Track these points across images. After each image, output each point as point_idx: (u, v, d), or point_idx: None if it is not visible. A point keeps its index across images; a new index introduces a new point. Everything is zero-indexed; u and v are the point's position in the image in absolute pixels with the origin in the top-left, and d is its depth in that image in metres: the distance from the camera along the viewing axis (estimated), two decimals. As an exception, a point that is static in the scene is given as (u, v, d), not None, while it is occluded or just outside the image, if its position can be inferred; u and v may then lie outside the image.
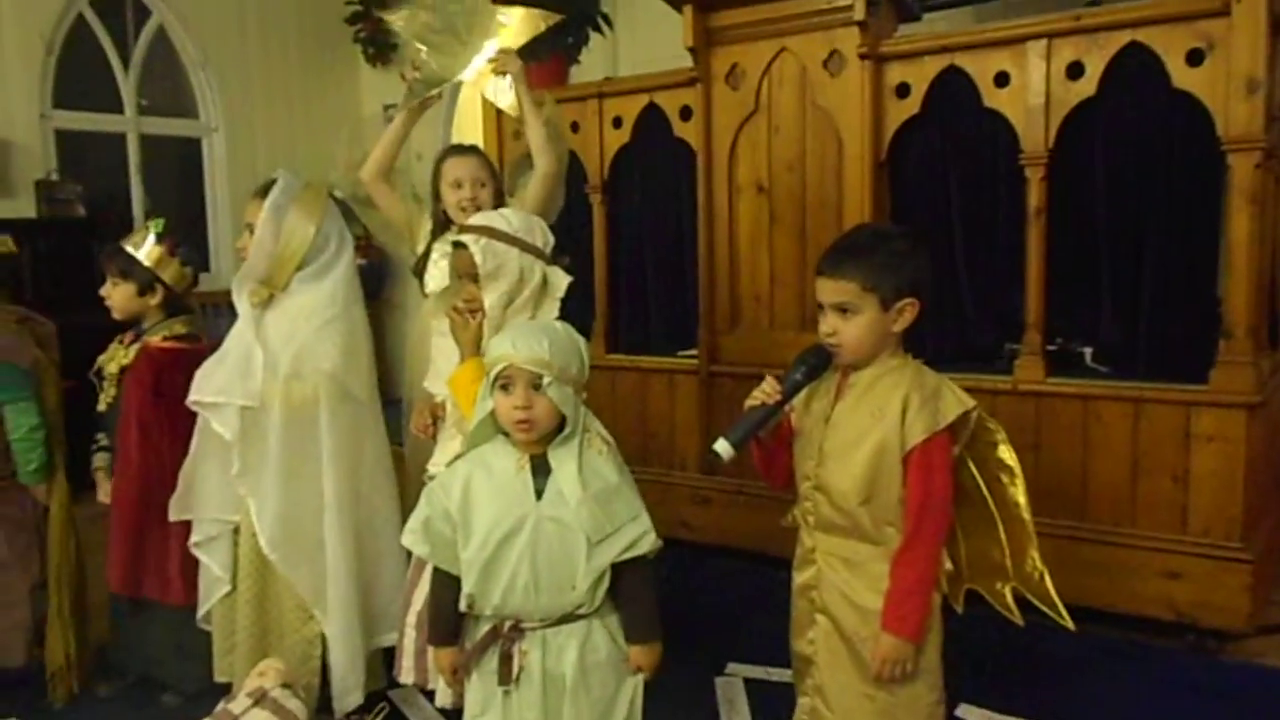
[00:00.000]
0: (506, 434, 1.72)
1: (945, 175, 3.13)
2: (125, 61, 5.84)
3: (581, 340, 1.75)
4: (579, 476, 1.67)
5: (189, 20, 6.00)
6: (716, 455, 1.75)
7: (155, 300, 2.63)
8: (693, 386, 3.66)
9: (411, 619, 2.30)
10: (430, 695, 2.36)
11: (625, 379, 3.84)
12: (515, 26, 2.90)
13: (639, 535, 1.70)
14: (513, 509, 1.67)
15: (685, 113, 3.57)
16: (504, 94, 2.92)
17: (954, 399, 1.72)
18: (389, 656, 2.44)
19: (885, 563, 1.74)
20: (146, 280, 2.61)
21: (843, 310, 1.73)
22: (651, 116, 3.69)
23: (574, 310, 2.18)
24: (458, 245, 2.09)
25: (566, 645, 1.71)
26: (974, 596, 1.93)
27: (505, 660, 1.71)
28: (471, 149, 2.78)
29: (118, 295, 2.62)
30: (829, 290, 1.75)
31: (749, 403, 1.78)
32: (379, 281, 6.43)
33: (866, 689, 1.78)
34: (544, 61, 4.10)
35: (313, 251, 2.36)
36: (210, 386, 2.32)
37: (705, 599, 3.25)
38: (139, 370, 2.54)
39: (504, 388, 1.66)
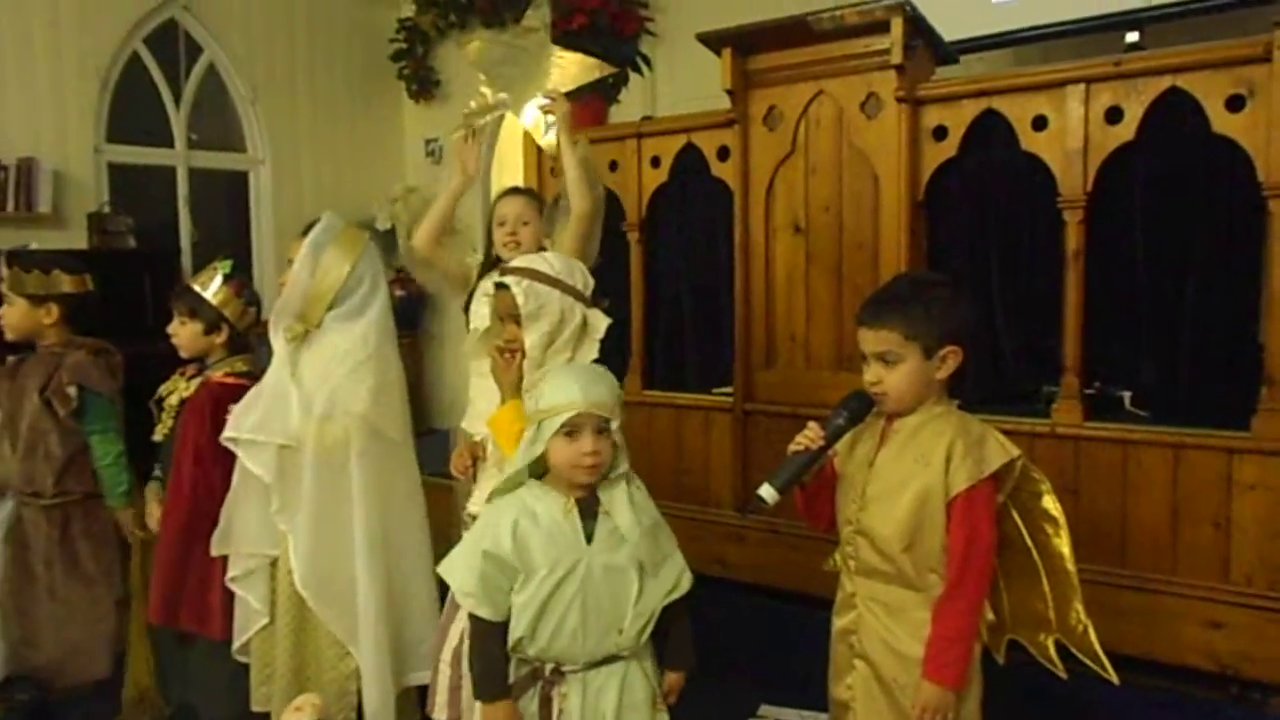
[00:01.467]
0: (539, 476, 1.76)
1: (982, 217, 3.14)
2: (177, 97, 6.00)
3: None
4: (633, 513, 1.71)
5: (239, 57, 6.17)
6: (761, 501, 1.77)
7: (220, 339, 2.72)
8: (728, 424, 3.67)
9: (446, 655, 2.32)
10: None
11: (661, 415, 3.86)
12: (571, 70, 2.97)
13: (679, 575, 1.77)
14: (565, 555, 1.70)
15: (723, 153, 3.61)
16: (544, 132, 2.98)
17: (999, 447, 1.73)
18: (421, 694, 2.46)
19: (927, 610, 1.75)
20: (213, 320, 2.70)
21: (885, 360, 1.75)
22: (689, 156, 3.74)
23: (610, 346, 2.22)
24: (500, 286, 2.13)
25: (606, 686, 1.73)
26: (1015, 644, 1.92)
27: (545, 703, 1.73)
28: (524, 191, 2.86)
29: (185, 333, 2.71)
30: (870, 340, 1.77)
31: (792, 448, 1.80)
32: (417, 313, 6.51)
33: (906, 738, 1.78)
34: (583, 101, 4.18)
35: (345, 290, 2.41)
36: (247, 424, 2.38)
37: (739, 638, 3.25)
38: (199, 402, 2.60)
39: (569, 434, 1.70)
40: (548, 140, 2.96)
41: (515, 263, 2.19)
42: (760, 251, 3.50)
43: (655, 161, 3.82)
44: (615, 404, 1.73)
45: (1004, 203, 3.12)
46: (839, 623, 1.87)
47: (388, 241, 6.09)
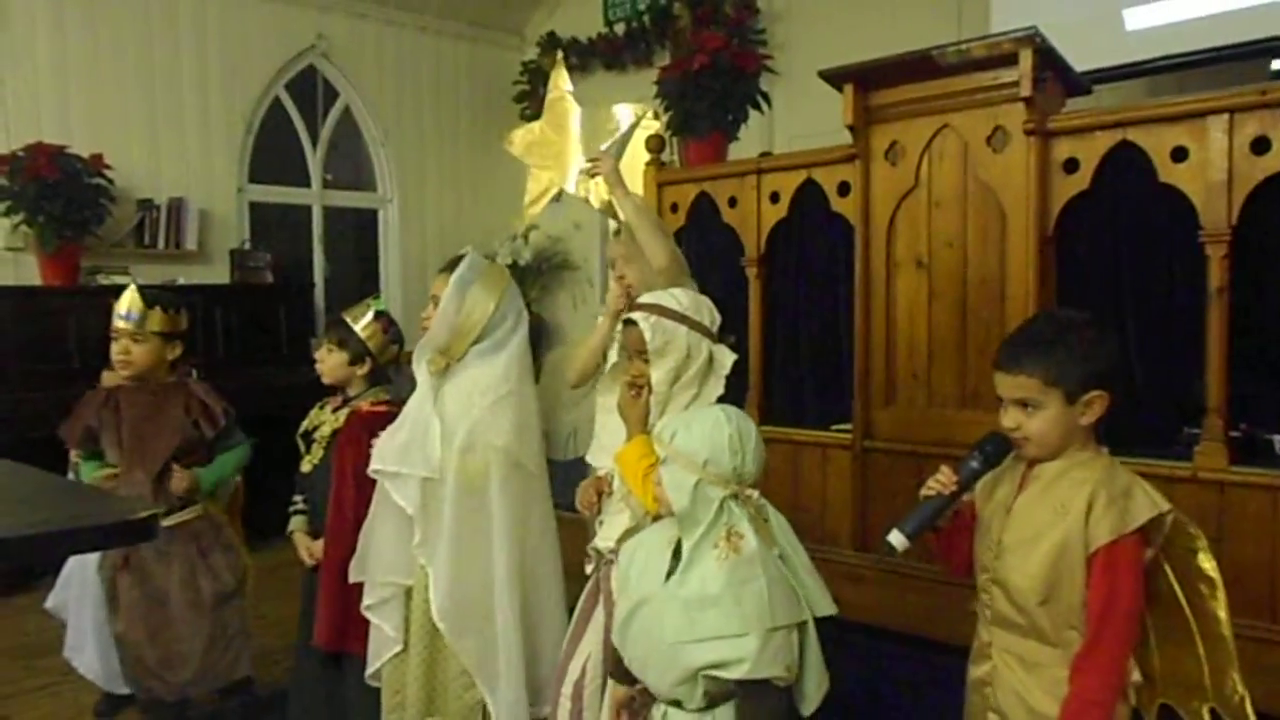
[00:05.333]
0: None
1: (1115, 252, 3.04)
2: (314, 139, 6.32)
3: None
4: (682, 574, 1.71)
5: (372, 101, 6.46)
6: (890, 548, 1.73)
7: (363, 371, 2.84)
8: (846, 461, 3.63)
9: (567, 689, 2.33)
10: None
11: (778, 451, 3.84)
12: (610, 125, 3.02)
13: (732, 658, 1.65)
14: (645, 583, 1.74)
15: (843, 188, 3.59)
16: (595, 194, 3.03)
17: (1146, 500, 1.62)
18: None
19: (1065, 668, 1.65)
20: (359, 352, 2.82)
21: (1024, 405, 1.69)
22: (809, 191, 3.73)
23: (728, 381, 2.23)
24: (628, 322, 2.17)
25: None
26: (1166, 707, 1.83)
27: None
28: (619, 230, 2.87)
29: (330, 361, 2.84)
30: (1008, 386, 1.69)
31: (924, 492, 1.75)
32: (535, 344, 6.65)
33: (1040, 798, 1.70)
34: (703, 138, 4.23)
35: (490, 326, 2.47)
36: (391, 456, 2.43)
37: (856, 682, 3.18)
38: (353, 431, 2.70)
39: None
40: (601, 201, 2.99)
41: (643, 298, 2.22)
42: (881, 287, 3.47)
43: (775, 197, 3.83)
44: None
45: (1139, 236, 3.01)
46: (974, 672, 1.80)
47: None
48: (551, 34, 6.63)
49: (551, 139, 3.03)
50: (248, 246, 5.88)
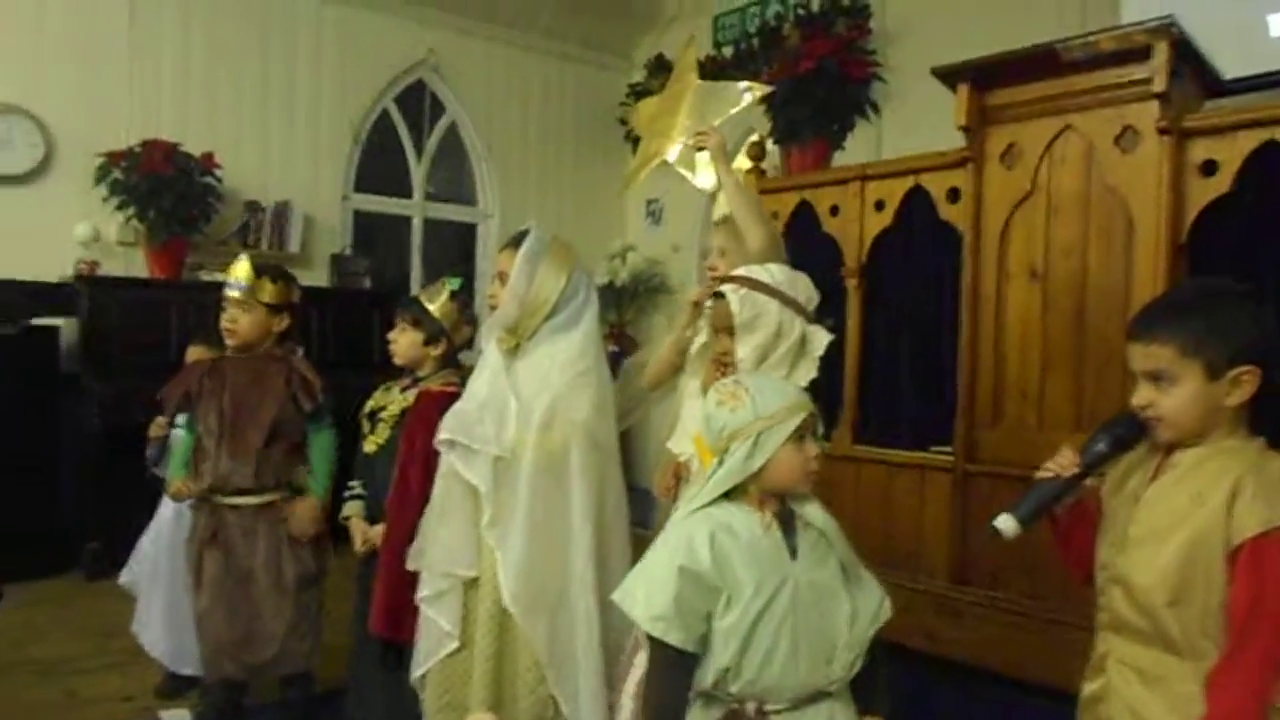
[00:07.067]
0: (729, 495, 1.60)
1: (1257, 262, 2.77)
2: (419, 151, 6.40)
3: None
4: (830, 519, 1.56)
5: (478, 117, 6.52)
6: (996, 531, 1.54)
7: (436, 352, 2.77)
8: (945, 486, 3.39)
9: (630, 688, 2.18)
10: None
11: (870, 473, 3.63)
12: (720, 101, 2.90)
13: (881, 601, 1.62)
14: (772, 571, 1.53)
15: (953, 194, 3.40)
16: (696, 174, 2.91)
17: None
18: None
19: (1196, 683, 1.42)
20: (434, 331, 2.75)
21: (1157, 378, 1.48)
22: (915, 199, 3.55)
23: (821, 396, 2.05)
24: (717, 295, 2.03)
25: None
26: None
27: None
28: (722, 220, 2.73)
29: (404, 341, 2.78)
30: (1139, 356, 1.49)
31: (1039, 474, 1.56)
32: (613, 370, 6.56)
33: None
34: (805, 146, 4.10)
35: (562, 301, 2.36)
36: (464, 430, 2.33)
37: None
38: (425, 411, 2.59)
39: (800, 439, 1.56)
40: (702, 181, 2.86)
41: (735, 272, 2.08)
42: (991, 299, 3.25)
43: (879, 205, 3.66)
44: None
45: (1285, 246, 2.75)
46: (1087, 689, 1.57)
47: (605, 298, 6.19)
48: (659, 56, 6.60)
49: (666, 111, 2.94)
50: (349, 253, 5.95)
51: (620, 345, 6.44)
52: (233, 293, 2.81)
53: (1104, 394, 2.98)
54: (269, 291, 2.83)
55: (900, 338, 3.65)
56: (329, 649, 2.93)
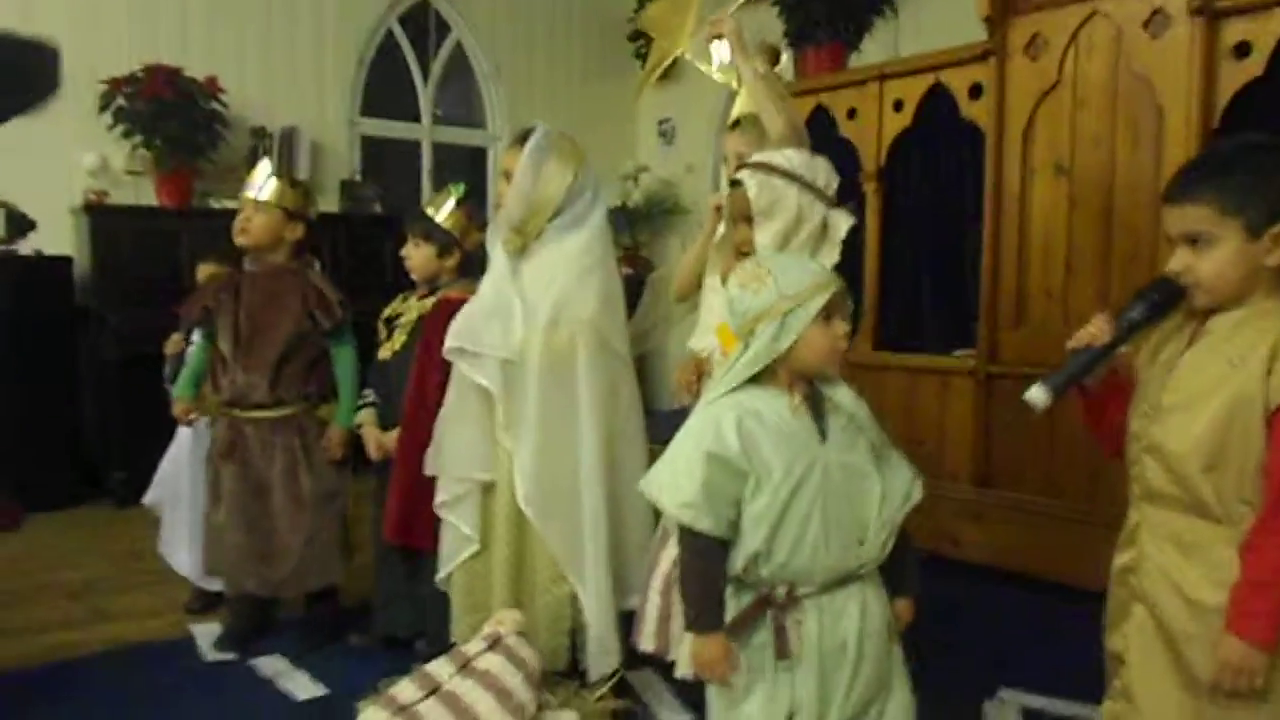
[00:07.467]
0: (755, 379, 1.55)
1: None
2: (425, 74, 6.28)
3: None
4: (858, 399, 1.52)
5: (484, 36, 6.38)
6: (1026, 405, 1.50)
7: (451, 262, 2.74)
8: (968, 389, 3.36)
9: (657, 583, 2.18)
10: (666, 665, 2.23)
11: (893, 379, 3.59)
12: None
13: (911, 481, 1.59)
14: (801, 454, 1.50)
15: (975, 91, 3.31)
16: (713, 64, 2.82)
17: None
18: (627, 621, 2.32)
19: (1231, 548, 1.39)
20: (446, 242, 2.72)
21: (1194, 241, 1.42)
22: (936, 98, 3.46)
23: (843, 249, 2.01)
24: (734, 184, 1.97)
25: (845, 610, 1.52)
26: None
27: (781, 632, 1.52)
28: (735, 123, 2.62)
29: (418, 256, 2.75)
30: (1176, 219, 1.44)
31: (1071, 344, 1.51)
32: (641, 290, 6.49)
33: (1190, 701, 1.44)
34: (821, 47, 3.98)
35: (568, 199, 2.32)
36: (470, 336, 2.30)
37: (973, 623, 2.93)
38: (443, 317, 2.53)
39: (827, 318, 1.52)
40: (720, 71, 2.77)
41: (753, 158, 2.02)
42: (1014, 196, 3.18)
43: (898, 105, 3.56)
44: None
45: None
46: (1118, 560, 1.55)
47: (618, 220, 6.10)
48: (667, -32, 6.43)
49: (676, 8, 2.85)
50: (358, 178, 5.88)
51: (634, 268, 6.37)
52: (249, 193, 2.79)
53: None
54: (285, 195, 2.80)
55: (921, 241, 3.59)
56: (354, 567, 2.95)
